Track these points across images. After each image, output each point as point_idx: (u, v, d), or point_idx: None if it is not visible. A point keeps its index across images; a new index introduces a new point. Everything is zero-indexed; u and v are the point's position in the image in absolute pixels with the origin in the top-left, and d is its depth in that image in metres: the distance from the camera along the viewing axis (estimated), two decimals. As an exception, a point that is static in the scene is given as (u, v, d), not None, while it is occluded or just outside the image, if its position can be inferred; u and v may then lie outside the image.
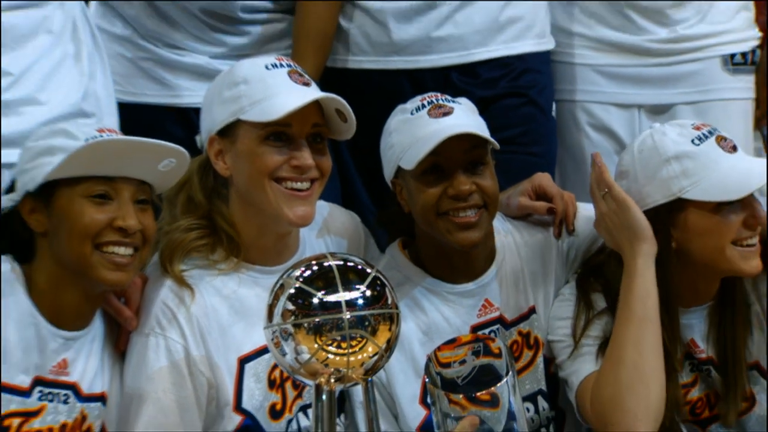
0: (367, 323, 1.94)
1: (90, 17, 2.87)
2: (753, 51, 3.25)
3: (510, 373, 2.11)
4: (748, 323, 2.65)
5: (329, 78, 3.01)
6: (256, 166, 2.50)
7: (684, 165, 2.53)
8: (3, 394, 2.33)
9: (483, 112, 2.72)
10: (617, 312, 2.54)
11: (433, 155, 2.53)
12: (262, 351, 2.51)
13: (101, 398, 2.47)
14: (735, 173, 2.52)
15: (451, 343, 2.20)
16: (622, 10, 3.20)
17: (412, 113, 2.62)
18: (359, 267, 2.00)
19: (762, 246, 2.56)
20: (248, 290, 2.54)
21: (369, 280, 1.97)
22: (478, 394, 2.09)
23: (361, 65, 3.08)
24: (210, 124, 2.56)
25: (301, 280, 1.96)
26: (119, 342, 2.52)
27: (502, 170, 2.67)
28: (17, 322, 2.35)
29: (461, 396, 2.09)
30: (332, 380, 1.96)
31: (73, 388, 2.42)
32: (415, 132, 2.59)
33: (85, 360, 2.44)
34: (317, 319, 1.93)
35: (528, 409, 2.69)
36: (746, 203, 2.53)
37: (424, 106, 2.61)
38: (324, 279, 1.96)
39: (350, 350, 1.93)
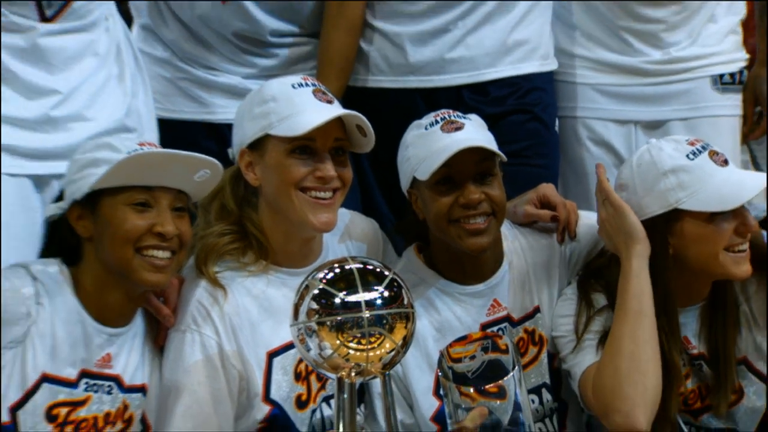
0: (384, 321, 1.97)
1: (132, 41, 2.95)
2: (741, 71, 3.29)
3: (516, 367, 2.17)
4: (738, 322, 2.70)
5: (351, 96, 3.06)
6: (284, 176, 2.55)
7: (680, 178, 2.57)
8: (52, 386, 2.41)
9: (492, 128, 2.76)
10: (615, 308, 2.58)
11: (445, 167, 2.58)
12: (289, 346, 2.56)
13: (142, 389, 2.53)
14: (728, 185, 2.57)
15: (462, 339, 2.27)
16: (619, 34, 3.24)
17: (426, 128, 2.66)
18: (378, 270, 2.03)
19: (751, 251, 2.61)
20: (276, 290, 2.59)
21: (387, 281, 2.00)
22: (487, 386, 2.14)
23: (380, 84, 3.14)
24: (241, 138, 2.61)
25: (324, 281, 1.99)
26: (158, 338, 2.58)
27: (509, 181, 2.71)
28: (65, 320, 2.43)
29: (471, 388, 2.14)
30: (353, 374, 1.99)
31: (116, 380, 2.49)
32: (429, 146, 2.63)
33: (127, 354, 2.51)
34: (339, 318, 1.96)
35: (533, 401, 2.74)
36: (737, 212, 2.57)
37: (437, 121, 2.66)
38: (345, 281, 1.99)
39: (369, 346, 1.96)
